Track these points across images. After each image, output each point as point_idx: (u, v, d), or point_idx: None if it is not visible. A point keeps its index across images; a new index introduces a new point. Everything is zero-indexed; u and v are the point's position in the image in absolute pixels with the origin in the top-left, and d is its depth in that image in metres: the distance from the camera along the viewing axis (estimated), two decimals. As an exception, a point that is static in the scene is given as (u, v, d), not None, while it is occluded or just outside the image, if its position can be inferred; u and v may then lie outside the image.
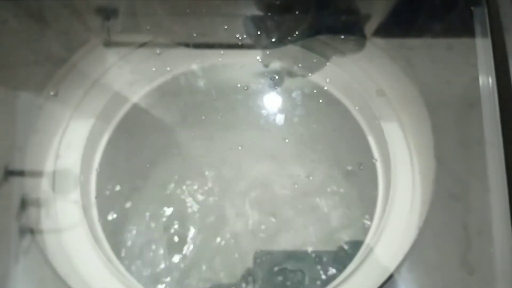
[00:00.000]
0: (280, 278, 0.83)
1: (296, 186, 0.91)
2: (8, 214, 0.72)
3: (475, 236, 0.67)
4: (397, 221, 0.77)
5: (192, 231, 0.89)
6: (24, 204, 0.74)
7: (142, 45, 0.91)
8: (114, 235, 0.87)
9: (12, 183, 0.74)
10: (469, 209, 0.69)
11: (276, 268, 0.84)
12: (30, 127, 0.79)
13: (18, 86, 0.79)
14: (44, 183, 0.80)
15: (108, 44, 0.88)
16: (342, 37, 0.87)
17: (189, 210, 0.91)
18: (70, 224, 0.79)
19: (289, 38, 0.89)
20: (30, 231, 0.72)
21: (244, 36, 0.89)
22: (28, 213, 0.74)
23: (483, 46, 0.77)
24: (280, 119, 0.95)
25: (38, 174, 0.80)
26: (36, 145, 0.80)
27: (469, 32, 0.79)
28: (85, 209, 0.82)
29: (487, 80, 0.75)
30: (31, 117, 0.79)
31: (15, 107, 0.77)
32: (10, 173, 0.74)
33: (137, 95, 0.95)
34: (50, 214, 0.78)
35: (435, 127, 0.75)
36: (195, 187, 0.92)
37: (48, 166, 0.82)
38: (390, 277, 0.67)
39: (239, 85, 0.95)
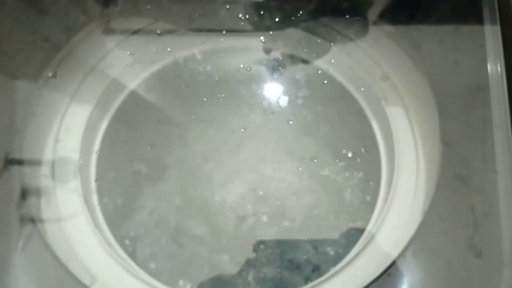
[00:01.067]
0: (281, 262, 0.83)
1: (300, 168, 0.90)
2: (9, 203, 0.71)
3: (482, 218, 0.67)
4: (401, 204, 0.77)
5: (194, 215, 0.88)
6: (24, 192, 0.73)
7: (143, 28, 0.90)
8: (114, 219, 0.86)
9: (12, 171, 0.73)
10: (476, 191, 0.69)
11: (277, 253, 0.84)
12: (29, 112, 0.78)
13: (17, 70, 0.77)
14: (44, 169, 0.80)
15: (108, 29, 0.87)
16: (347, 16, 0.86)
17: (191, 193, 0.90)
18: (70, 210, 0.79)
19: (292, 18, 0.88)
20: (31, 218, 0.71)
21: (247, 16, 0.88)
22: (28, 200, 0.73)
23: (491, 29, 0.76)
24: (283, 100, 0.94)
25: (37, 160, 0.80)
26: (35, 129, 0.79)
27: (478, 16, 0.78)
28: (85, 194, 0.82)
29: (495, 61, 0.74)
30: (30, 102, 0.78)
31: (14, 91, 0.76)
32: (10, 162, 0.73)
33: (137, 77, 0.94)
34: (50, 201, 0.78)
35: (441, 109, 0.74)
36: (197, 169, 0.91)
37: (48, 151, 0.81)
38: (393, 263, 0.67)
39: (241, 66, 0.94)
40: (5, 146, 0.73)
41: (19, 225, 0.70)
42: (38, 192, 0.77)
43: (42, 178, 0.79)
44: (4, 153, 0.73)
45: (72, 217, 0.78)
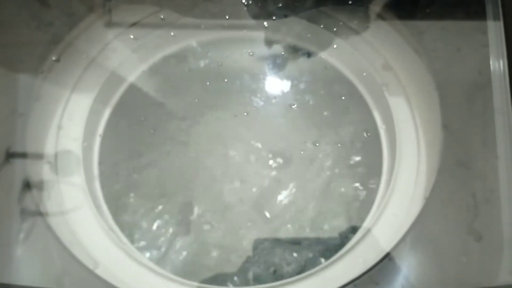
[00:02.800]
0: (280, 244, 0.84)
1: (302, 152, 0.91)
2: (11, 194, 0.71)
3: (483, 203, 0.67)
4: (403, 191, 0.77)
5: (197, 199, 0.89)
6: (26, 183, 0.73)
7: (147, 15, 0.90)
8: (117, 204, 0.86)
9: (14, 164, 0.73)
10: (477, 176, 0.69)
11: (276, 239, 0.85)
12: (31, 100, 0.78)
13: (19, 62, 0.78)
14: (46, 160, 0.80)
15: (112, 17, 0.87)
16: (350, 2, 0.86)
17: (195, 176, 0.91)
18: (73, 198, 0.79)
19: (295, 4, 0.88)
20: (34, 206, 0.72)
21: (250, 2, 0.88)
22: (31, 190, 0.73)
23: (493, 16, 0.76)
24: (286, 85, 0.94)
25: (40, 152, 0.80)
26: (38, 118, 0.79)
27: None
28: (88, 180, 0.82)
29: (497, 47, 0.74)
30: (32, 91, 0.78)
31: (15, 83, 0.76)
32: (12, 155, 0.73)
33: (141, 62, 0.94)
34: (54, 190, 0.78)
35: (443, 95, 0.74)
36: (201, 153, 0.92)
37: (50, 140, 0.81)
38: (395, 247, 0.67)
39: (244, 51, 0.94)
40: (8, 138, 0.74)
41: (22, 216, 0.70)
42: (40, 183, 0.76)
43: (45, 169, 0.79)
44: (7, 145, 0.73)
45: (75, 208, 0.78)
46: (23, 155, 0.75)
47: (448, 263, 0.66)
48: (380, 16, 0.84)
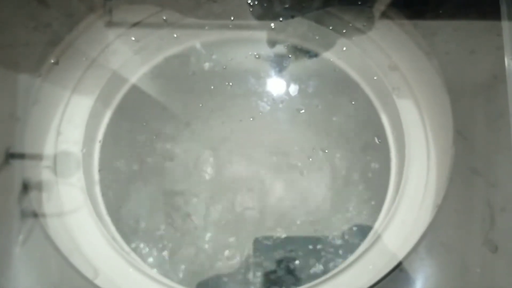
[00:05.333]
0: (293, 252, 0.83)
1: (310, 159, 0.89)
2: (10, 196, 0.71)
3: (499, 213, 0.66)
4: (412, 198, 0.76)
5: (200, 207, 0.88)
6: (25, 185, 0.73)
7: (149, 15, 0.89)
8: (118, 210, 0.86)
9: (13, 165, 0.73)
10: (492, 184, 0.68)
11: (283, 246, 0.84)
12: (30, 104, 0.78)
13: (18, 63, 0.77)
14: (46, 162, 0.79)
15: (113, 18, 0.86)
16: (359, 3, 0.84)
17: (198, 185, 0.89)
18: (73, 202, 0.78)
19: (303, 5, 0.87)
20: (32, 211, 0.71)
21: (256, 2, 0.86)
22: (30, 193, 0.74)
23: (508, 17, 0.74)
24: (293, 89, 0.92)
25: (39, 153, 0.79)
26: (37, 120, 0.79)
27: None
28: (88, 185, 0.82)
29: (512, 50, 0.72)
30: (31, 93, 0.78)
31: (15, 84, 0.76)
32: (12, 155, 0.73)
33: (143, 65, 0.93)
34: (53, 194, 0.77)
35: (455, 99, 0.73)
36: (204, 160, 0.90)
37: (50, 143, 0.81)
38: (405, 258, 0.67)
39: (250, 53, 0.93)
40: (7, 140, 0.73)
41: (21, 219, 0.70)
42: (40, 185, 0.76)
43: (44, 171, 0.78)
44: (6, 147, 0.72)
45: (75, 210, 0.77)
46: (23, 156, 0.74)
47: (462, 274, 0.65)
48: (389, 17, 0.83)
